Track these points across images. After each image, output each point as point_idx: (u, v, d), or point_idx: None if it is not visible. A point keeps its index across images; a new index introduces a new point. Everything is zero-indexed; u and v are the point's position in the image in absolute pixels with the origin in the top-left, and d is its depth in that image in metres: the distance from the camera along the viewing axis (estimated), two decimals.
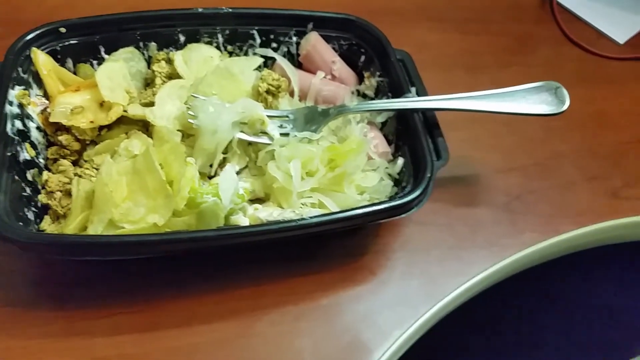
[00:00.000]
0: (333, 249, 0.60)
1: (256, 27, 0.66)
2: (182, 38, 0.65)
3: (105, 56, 0.63)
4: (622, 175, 0.70)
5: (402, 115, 0.62)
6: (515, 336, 0.88)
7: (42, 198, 0.56)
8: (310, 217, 0.52)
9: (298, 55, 0.68)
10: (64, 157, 0.59)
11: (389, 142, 0.63)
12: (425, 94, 0.63)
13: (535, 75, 0.64)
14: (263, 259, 0.58)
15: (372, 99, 0.66)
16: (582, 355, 0.86)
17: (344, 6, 0.69)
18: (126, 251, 0.51)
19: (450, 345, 0.79)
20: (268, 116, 0.60)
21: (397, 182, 0.60)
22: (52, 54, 0.61)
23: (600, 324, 0.85)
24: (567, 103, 0.59)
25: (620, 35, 0.86)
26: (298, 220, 0.52)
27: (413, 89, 0.63)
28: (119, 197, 0.53)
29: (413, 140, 0.59)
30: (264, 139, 0.59)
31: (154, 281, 0.56)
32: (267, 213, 0.55)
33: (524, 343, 0.89)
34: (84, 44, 0.62)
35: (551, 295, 0.82)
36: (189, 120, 0.58)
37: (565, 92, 0.60)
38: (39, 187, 0.57)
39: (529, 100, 0.60)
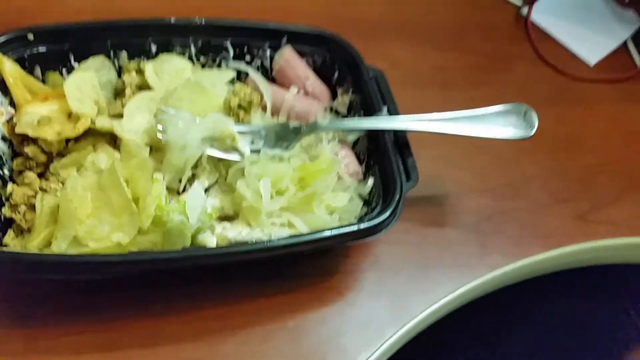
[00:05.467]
0: (301, 269, 0.59)
1: (229, 39, 0.65)
2: (153, 48, 0.64)
3: (75, 64, 0.62)
4: (590, 198, 0.70)
5: (373, 134, 0.61)
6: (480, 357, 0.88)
7: (5, 211, 0.55)
8: (279, 239, 0.52)
9: (272, 69, 0.67)
10: (29, 169, 0.57)
11: (360, 161, 0.63)
12: (397, 114, 0.62)
13: (507, 95, 0.64)
14: (230, 278, 0.57)
15: (345, 116, 0.66)
16: None
17: (321, 19, 0.69)
18: (88, 271, 0.50)
19: None
20: (239, 132, 0.59)
21: (367, 202, 0.60)
22: (20, 61, 0.59)
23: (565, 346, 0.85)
24: (536, 127, 0.59)
25: (592, 56, 0.86)
26: (266, 242, 0.51)
27: (385, 108, 0.62)
28: (84, 214, 0.52)
29: (383, 161, 0.59)
30: (234, 156, 0.59)
31: (118, 299, 0.55)
32: (236, 232, 0.54)
33: None
34: (53, 51, 0.61)
35: (515, 317, 0.83)
36: (158, 135, 0.57)
37: (534, 115, 0.59)
38: (3, 199, 0.55)
39: (498, 123, 0.60)
